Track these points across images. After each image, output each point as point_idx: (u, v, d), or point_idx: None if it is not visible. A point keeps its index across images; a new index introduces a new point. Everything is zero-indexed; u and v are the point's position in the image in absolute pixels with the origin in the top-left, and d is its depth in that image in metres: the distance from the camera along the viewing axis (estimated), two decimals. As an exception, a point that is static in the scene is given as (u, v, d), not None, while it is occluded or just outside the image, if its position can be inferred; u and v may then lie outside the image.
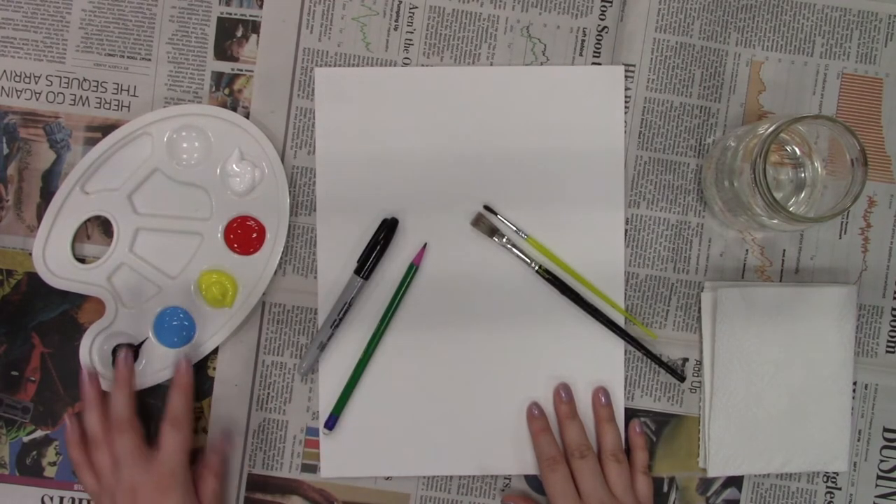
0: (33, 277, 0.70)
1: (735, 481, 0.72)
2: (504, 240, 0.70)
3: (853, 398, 0.72)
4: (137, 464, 0.65)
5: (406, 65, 0.72)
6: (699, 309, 0.72)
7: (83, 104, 0.71)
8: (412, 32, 0.72)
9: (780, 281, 0.72)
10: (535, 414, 0.70)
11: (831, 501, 0.72)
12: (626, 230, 0.72)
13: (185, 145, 0.70)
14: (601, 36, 0.72)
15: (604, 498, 0.66)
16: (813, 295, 0.70)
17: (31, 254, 0.70)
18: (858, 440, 0.72)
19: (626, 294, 0.72)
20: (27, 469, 0.71)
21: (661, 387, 0.72)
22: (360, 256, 0.70)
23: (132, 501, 0.64)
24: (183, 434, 0.66)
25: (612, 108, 0.72)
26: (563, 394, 0.70)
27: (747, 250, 0.72)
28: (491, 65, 0.72)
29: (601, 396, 0.70)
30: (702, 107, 0.72)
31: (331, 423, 0.70)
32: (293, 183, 0.71)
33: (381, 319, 0.70)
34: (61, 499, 0.71)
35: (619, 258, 0.71)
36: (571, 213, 0.71)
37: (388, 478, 0.71)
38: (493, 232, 0.70)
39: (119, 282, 0.70)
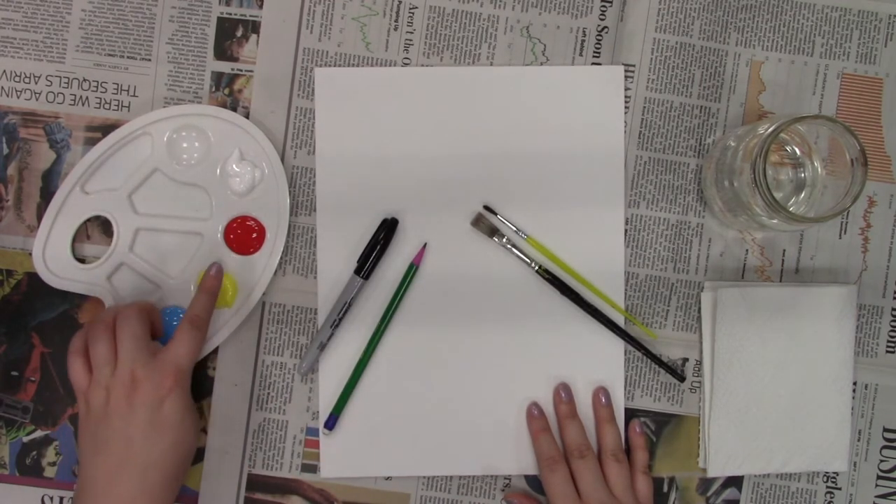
0: (33, 277, 0.70)
1: (735, 481, 0.72)
2: (504, 240, 0.70)
3: (853, 398, 0.72)
4: (140, 353, 0.62)
5: (406, 65, 0.72)
6: (699, 309, 0.72)
7: (83, 104, 0.71)
8: (412, 32, 0.72)
9: (780, 281, 0.72)
10: (534, 414, 0.70)
11: (831, 501, 0.72)
12: (626, 230, 0.72)
13: (185, 145, 0.70)
14: (601, 36, 0.72)
15: (603, 498, 0.66)
16: (813, 295, 0.70)
17: (31, 254, 0.70)
18: (858, 440, 0.72)
19: (626, 294, 0.72)
20: (27, 469, 0.71)
21: (661, 387, 0.72)
22: (360, 256, 0.70)
23: (128, 395, 0.62)
24: (199, 335, 0.65)
25: (612, 108, 0.72)
26: (563, 394, 0.70)
27: (747, 250, 0.72)
28: (491, 65, 0.72)
29: (601, 396, 0.70)
30: (702, 107, 0.72)
31: (331, 423, 0.70)
32: (293, 183, 0.71)
33: (381, 319, 0.70)
34: (61, 499, 0.71)
35: (619, 258, 0.71)
36: (571, 213, 0.71)
37: (388, 478, 0.71)
38: (493, 232, 0.70)
39: (119, 282, 0.70)
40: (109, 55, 0.71)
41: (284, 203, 0.70)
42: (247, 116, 0.71)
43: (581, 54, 0.72)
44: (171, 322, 0.70)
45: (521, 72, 0.72)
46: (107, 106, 0.71)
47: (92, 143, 0.70)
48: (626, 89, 0.72)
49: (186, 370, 0.64)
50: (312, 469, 0.71)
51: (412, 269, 0.70)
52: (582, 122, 0.71)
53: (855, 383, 0.72)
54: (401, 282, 0.70)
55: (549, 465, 0.67)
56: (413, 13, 0.72)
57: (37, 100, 0.71)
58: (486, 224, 0.70)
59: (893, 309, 0.72)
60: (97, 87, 0.71)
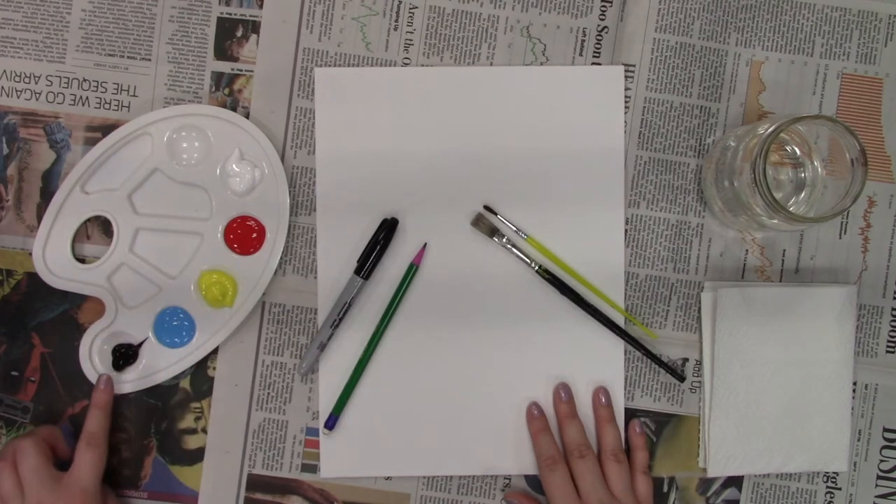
0: (33, 277, 0.70)
1: (735, 481, 0.72)
2: (504, 240, 0.70)
3: (853, 398, 0.72)
4: (44, 483, 0.63)
5: (406, 65, 0.72)
6: (699, 309, 0.72)
7: (83, 104, 0.71)
8: (412, 32, 0.72)
9: (780, 281, 0.72)
10: (534, 414, 0.70)
11: (831, 501, 0.72)
12: (626, 230, 0.72)
13: (185, 145, 0.70)
14: (601, 36, 0.72)
15: (603, 498, 0.66)
16: (813, 295, 0.70)
17: (31, 254, 0.70)
18: (858, 440, 0.72)
19: (626, 294, 0.72)
20: (27, 469, 0.71)
21: (661, 387, 0.72)
22: (360, 256, 0.70)
23: None
24: (97, 452, 0.65)
25: (612, 108, 0.72)
26: (563, 393, 0.70)
27: (747, 250, 0.72)
28: (491, 65, 0.72)
29: (601, 396, 0.70)
30: (702, 107, 0.72)
31: (331, 423, 0.70)
32: (293, 183, 0.71)
33: (381, 319, 0.70)
34: (61, 499, 0.71)
35: (619, 258, 0.71)
36: (572, 213, 0.71)
37: (388, 478, 0.71)
38: (493, 232, 0.70)
39: (119, 282, 0.70)
40: (109, 55, 0.71)
41: (284, 203, 0.70)
42: (247, 116, 0.71)
43: (581, 54, 0.72)
44: (171, 322, 0.70)
45: (521, 72, 0.72)
46: (107, 106, 0.71)
47: (92, 143, 0.70)
48: (626, 89, 0.72)
49: (92, 491, 0.64)
50: (312, 469, 0.71)
51: (412, 269, 0.70)
52: (582, 122, 0.71)
53: (855, 383, 0.72)
54: (401, 282, 0.70)
55: (548, 464, 0.67)
56: (413, 13, 0.72)
57: (37, 100, 0.71)
58: (486, 224, 0.70)
59: (893, 309, 0.72)
60: (97, 87, 0.71)
